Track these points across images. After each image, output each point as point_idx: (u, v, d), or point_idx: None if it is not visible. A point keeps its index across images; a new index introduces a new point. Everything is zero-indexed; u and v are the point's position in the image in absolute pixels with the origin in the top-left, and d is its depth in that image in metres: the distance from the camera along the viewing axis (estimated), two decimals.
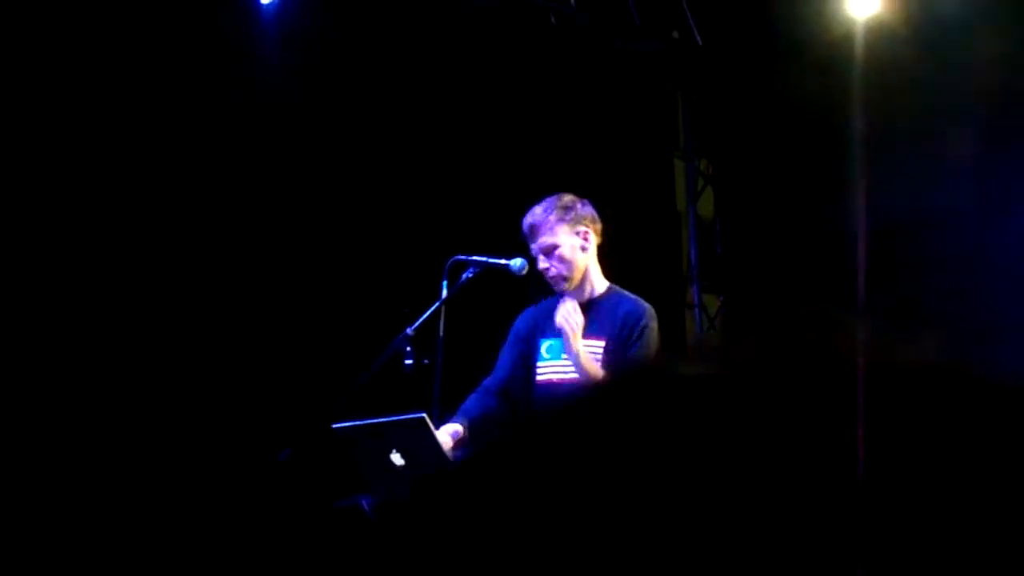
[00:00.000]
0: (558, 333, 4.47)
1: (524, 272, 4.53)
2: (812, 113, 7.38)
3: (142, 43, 6.01)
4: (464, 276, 4.49)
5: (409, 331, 4.39)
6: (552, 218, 4.46)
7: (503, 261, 4.51)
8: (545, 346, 4.53)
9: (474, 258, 4.52)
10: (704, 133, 8.13)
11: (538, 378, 4.50)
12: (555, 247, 4.45)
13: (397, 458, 4.06)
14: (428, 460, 3.98)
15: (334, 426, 4.16)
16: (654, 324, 4.40)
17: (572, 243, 4.46)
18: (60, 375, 5.83)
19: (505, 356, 4.63)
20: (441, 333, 4.45)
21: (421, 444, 4.00)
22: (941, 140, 6.91)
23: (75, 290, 5.91)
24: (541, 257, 4.48)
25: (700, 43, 7.54)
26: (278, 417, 5.99)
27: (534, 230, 4.49)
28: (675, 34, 7.55)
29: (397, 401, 4.30)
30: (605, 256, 4.67)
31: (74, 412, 5.86)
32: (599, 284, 4.53)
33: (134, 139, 6.05)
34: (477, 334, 4.79)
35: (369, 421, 4.13)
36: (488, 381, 4.61)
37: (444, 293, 4.46)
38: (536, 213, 4.51)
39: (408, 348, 4.36)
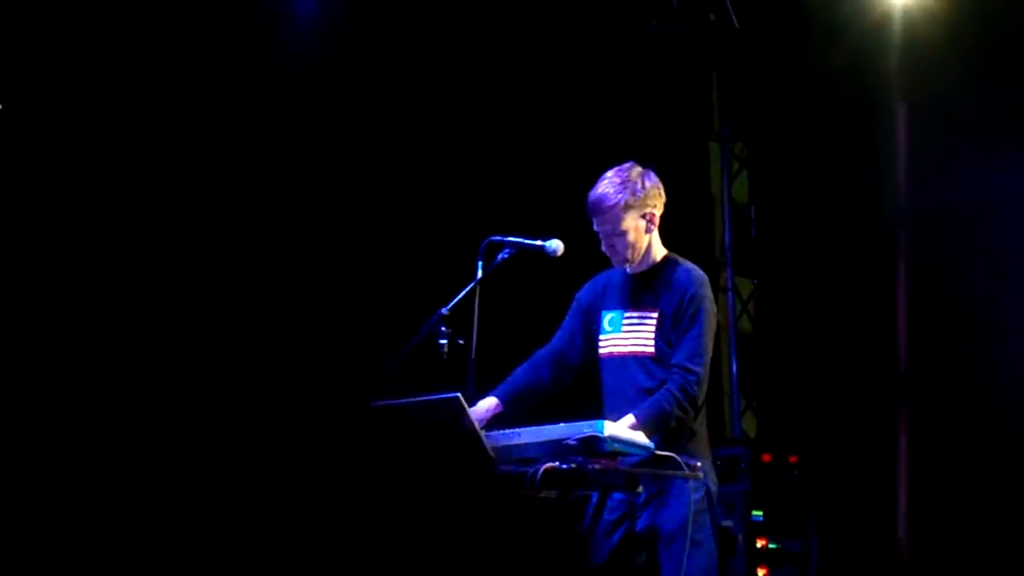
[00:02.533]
0: (619, 305, 4.46)
1: (559, 254, 4.52)
2: (849, 97, 7.35)
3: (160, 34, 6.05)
4: (499, 257, 4.48)
5: (444, 311, 4.39)
6: (621, 204, 4.33)
7: (539, 243, 4.49)
8: (607, 319, 4.50)
9: (510, 239, 4.51)
10: (740, 116, 8.10)
11: (600, 351, 4.48)
12: (624, 233, 4.40)
13: (431, 437, 4.08)
14: (462, 440, 3.99)
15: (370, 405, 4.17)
16: (707, 293, 4.34)
17: (639, 226, 4.41)
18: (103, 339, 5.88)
19: (565, 326, 4.60)
20: (476, 313, 4.45)
21: (455, 424, 4.01)
22: (982, 126, 6.85)
23: (129, 258, 5.96)
24: (607, 239, 4.41)
25: (737, 25, 7.51)
26: (314, 397, 6.02)
27: (601, 211, 4.37)
28: (712, 16, 7.52)
29: (431, 381, 4.31)
30: None
31: (107, 384, 5.91)
32: (657, 253, 4.48)
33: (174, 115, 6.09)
34: (511, 315, 4.80)
35: (404, 400, 4.14)
36: (543, 351, 4.59)
37: (479, 273, 4.46)
38: (606, 194, 4.36)
39: (442, 328, 4.36)
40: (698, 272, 4.44)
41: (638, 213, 4.38)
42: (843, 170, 7.52)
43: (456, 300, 4.44)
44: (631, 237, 4.39)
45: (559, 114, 7.17)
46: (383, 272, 6.54)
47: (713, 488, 4.27)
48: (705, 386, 4.28)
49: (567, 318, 4.63)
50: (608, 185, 4.38)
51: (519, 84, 7.07)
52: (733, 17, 7.45)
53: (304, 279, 6.42)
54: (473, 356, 4.40)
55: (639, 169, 4.45)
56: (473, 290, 4.45)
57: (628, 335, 4.42)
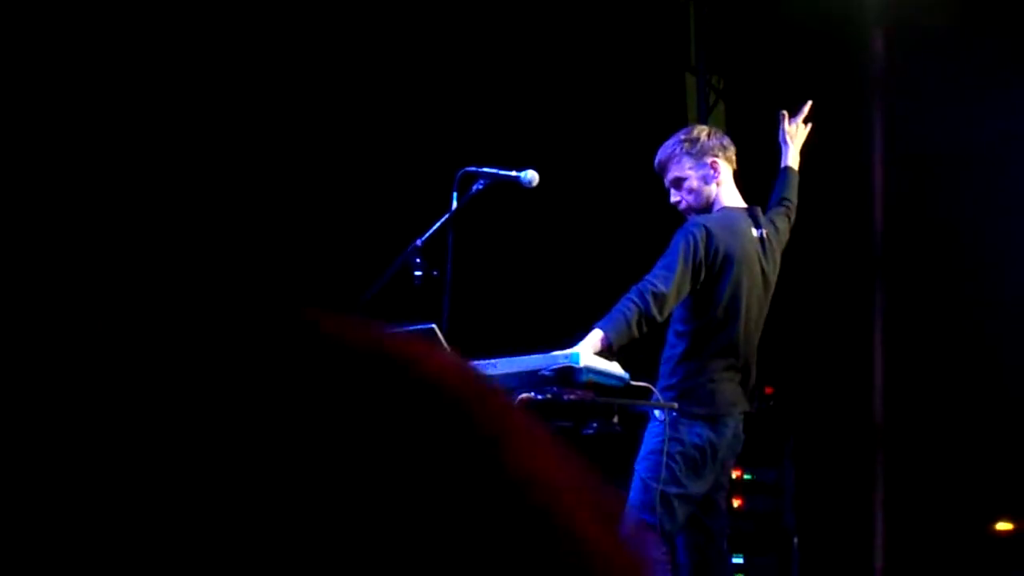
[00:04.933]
0: None
1: (534, 185, 4.51)
2: (828, 28, 7.30)
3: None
4: (474, 188, 4.47)
5: (418, 243, 4.38)
6: (679, 151, 4.47)
7: (514, 173, 4.49)
8: None
9: (484, 170, 4.49)
10: (716, 48, 8.04)
11: None
12: (683, 180, 4.45)
13: None
14: None
15: None
16: (684, 238, 4.30)
17: (701, 174, 4.46)
18: None
19: None
20: (450, 245, 4.43)
21: None
22: (964, 61, 6.81)
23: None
24: (672, 191, 4.49)
25: None
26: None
27: (662, 165, 4.52)
28: None
29: (406, 312, 4.29)
30: (615, 173, 4.65)
31: None
32: (719, 205, 4.52)
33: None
34: (486, 246, 4.78)
35: None
36: None
37: (454, 204, 4.44)
38: (664, 145, 4.54)
39: (417, 260, 4.35)
40: (699, 220, 4.42)
41: (694, 161, 4.46)
42: (822, 103, 7.48)
43: (431, 231, 4.42)
44: (689, 185, 4.47)
45: (534, 45, 7.11)
46: (358, 203, 6.50)
47: (688, 438, 4.27)
48: (665, 291, 4.18)
49: None
50: (670, 138, 4.50)
51: (493, 15, 7.01)
52: None
53: (279, 211, 6.37)
54: (448, 287, 4.39)
55: (707, 127, 4.58)
56: (448, 221, 4.43)
57: None
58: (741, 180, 7.19)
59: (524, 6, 7.10)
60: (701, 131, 4.59)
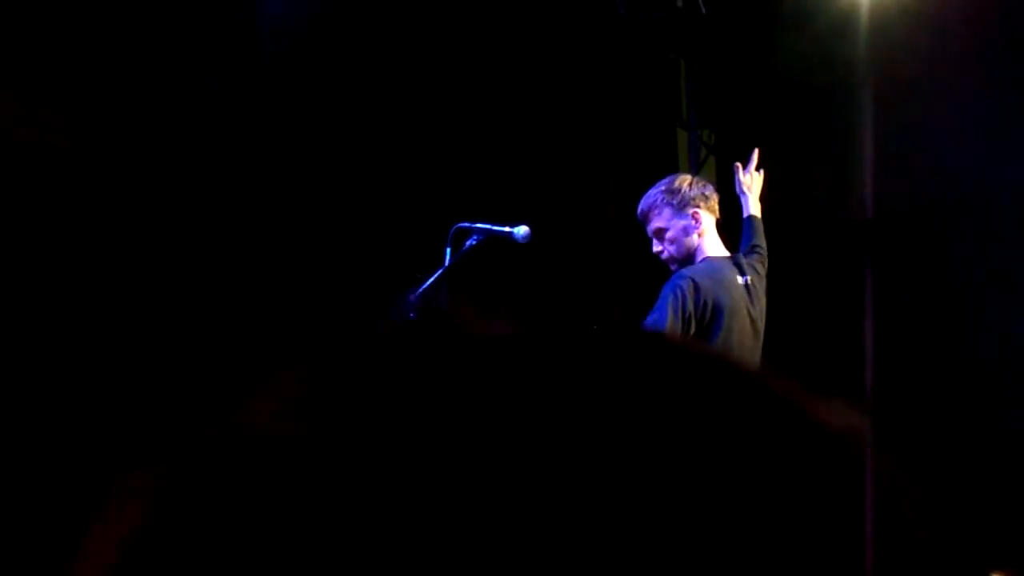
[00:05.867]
0: None
1: (528, 240, 4.52)
2: (818, 83, 7.36)
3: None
4: (468, 243, 4.48)
5: (412, 298, 4.39)
6: (660, 202, 4.48)
7: (507, 229, 4.50)
8: None
9: (478, 225, 4.52)
10: (707, 103, 8.10)
11: None
12: (664, 230, 4.47)
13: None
14: None
15: None
16: (672, 291, 4.32)
17: (677, 225, 4.47)
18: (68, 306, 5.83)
19: None
20: (444, 300, 4.45)
21: None
22: (950, 116, 6.87)
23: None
24: (654, 241, 4.50)
25: (704, 11, 7.50)
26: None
27: (644, 215, 4.53)
28: (679, 2, 7.51)
29: None
30: (608, 224, 4.67)
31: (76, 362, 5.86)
32: (701, 256, 4.53)
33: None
34: (480, 301, 4.79)
35: None
36: None
37: (448, 260, 4.46)
38: (646, 194, 4.54)
39: (411, 316, 4.36)
40: (685, 272, 4.44)
41: (674, 212, 4.46)
42: (811, 157, 7.53)
43: (425, 286, 4.44)
44: (669, 235, 4.47)
45: (527, 100, 7.16)
46: (351, 259, 6.51)
47: None
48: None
49: None
50: (652, 188, 4.50)
51: (487, 69, 7.06)
52: (700, 3, 7.44)
53: (271, 266, 6.38)
54: None
55: (689, 177, 4.58)
56: (442, 276, 4.45)
57: None
58: (730, 233, 7.20)
59: (518, 63, 7.15)
60: (683, 181, 4.57)
